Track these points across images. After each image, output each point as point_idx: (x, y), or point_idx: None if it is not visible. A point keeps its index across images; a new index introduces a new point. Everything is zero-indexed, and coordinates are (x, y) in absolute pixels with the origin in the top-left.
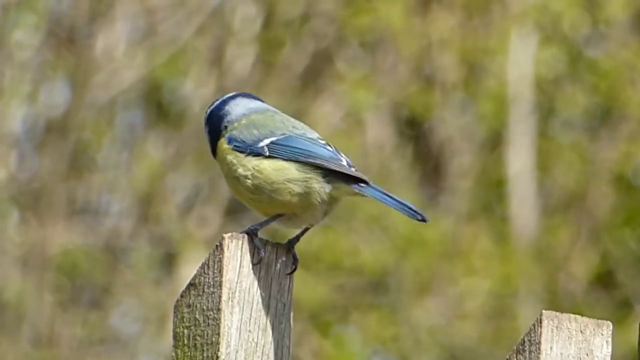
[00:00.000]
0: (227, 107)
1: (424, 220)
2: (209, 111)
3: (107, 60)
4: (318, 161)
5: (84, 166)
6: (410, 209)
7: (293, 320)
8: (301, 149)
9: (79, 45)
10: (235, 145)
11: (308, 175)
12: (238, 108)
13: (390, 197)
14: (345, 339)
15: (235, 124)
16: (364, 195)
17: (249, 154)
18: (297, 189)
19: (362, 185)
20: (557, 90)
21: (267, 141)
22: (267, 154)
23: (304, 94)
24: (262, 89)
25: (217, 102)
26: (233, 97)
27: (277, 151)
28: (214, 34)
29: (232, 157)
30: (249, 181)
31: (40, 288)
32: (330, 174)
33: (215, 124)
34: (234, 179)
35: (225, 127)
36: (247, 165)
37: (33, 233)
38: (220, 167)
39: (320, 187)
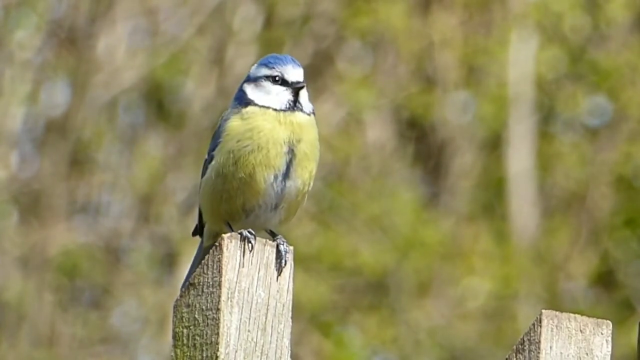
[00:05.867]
0: None
1: None
2: None
3: (108, 60)
4: None
5: (84, 166)
6: None
7: (293, 320)
8: None
9: (80, 46)
10: None
11: None
12: None
13: None
14: (346, 340)
15: None
16: None
17: None
18: None
19: None
20: (558, 91)
21: None
22: None
23: None
24: None
25: None
26: None
27: None
28: (215, 33)
29: None
30: None
31: (41, 288)
32: None
33: None
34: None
35: None
36: None
37: (33, 233)
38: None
39: None
